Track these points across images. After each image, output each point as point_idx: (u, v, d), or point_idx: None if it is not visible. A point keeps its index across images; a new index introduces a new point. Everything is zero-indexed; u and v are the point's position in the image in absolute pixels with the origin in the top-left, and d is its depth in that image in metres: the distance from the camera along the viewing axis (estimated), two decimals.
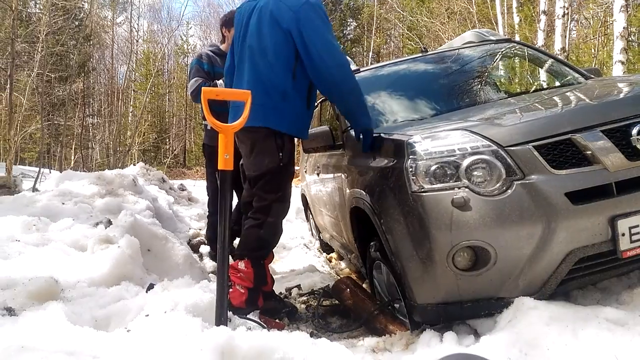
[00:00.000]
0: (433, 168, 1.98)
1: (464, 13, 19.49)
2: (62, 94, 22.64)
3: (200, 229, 5.17)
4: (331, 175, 3.41)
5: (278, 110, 2.67)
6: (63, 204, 3.99)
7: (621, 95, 2.36)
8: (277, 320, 2.65)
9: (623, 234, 1.85)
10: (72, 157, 25.74)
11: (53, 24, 17.45)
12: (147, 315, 1.86)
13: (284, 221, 2.87)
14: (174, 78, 39.51)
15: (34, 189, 7.03)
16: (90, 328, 1.79)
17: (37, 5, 23.66)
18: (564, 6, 10.81)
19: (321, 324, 2.74)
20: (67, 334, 1.73)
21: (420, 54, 3.84)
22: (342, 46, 30.81)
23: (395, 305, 2.49)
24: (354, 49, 31.76)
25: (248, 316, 2.40)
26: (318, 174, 3.97)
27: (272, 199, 2.73)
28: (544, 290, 1.90)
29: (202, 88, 2.09)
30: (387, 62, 3.96)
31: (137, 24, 37.03)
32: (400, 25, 25.43)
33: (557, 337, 1.64)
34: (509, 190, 1.89)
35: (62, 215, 3.67)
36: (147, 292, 2.25)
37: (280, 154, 2.69)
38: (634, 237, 1.85)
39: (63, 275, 2.42)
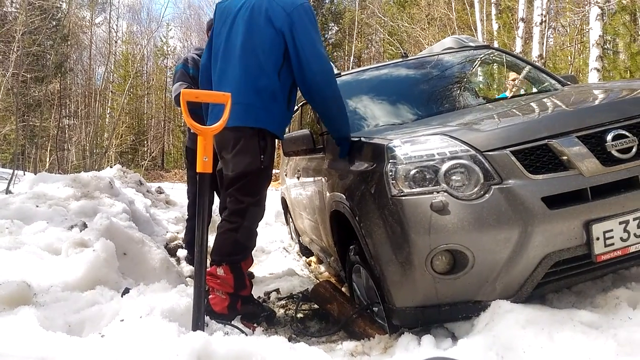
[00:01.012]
0: (412, 172, 1.99)
1: (444, 19, 19.73)
2: (38, 94, 22.21)
3: (177, 233, 5.12)
4: (311, 179, 3.41)
5: (269, 111, 2.65)
6: (37, 206, 3.91)
7: (596, 102, 2.41)
8: (254, 325, 2.62)
9: (597, 238, 1.88)
10: (48, 159, 25.24)
11: (30, 23, 17.12)
12: (122, 320, 1.83)
13: (263, 224, 2.85)
14: (153, 80, 39.11)
15: (7, 191, 6.87)
16: (63, 333, 1.76)
17: (14, 4, 23.21)
18: (542, 14, 11.00)
19: (300, 328, 2.72)
20: (40, 339, 1.70)
21: (400, 59, 3.87)
22: None
23: (374, 308, 2.49)
24: (335, 53, 31.88)
25: (233, 323, 2.37)
26: (298, 178, 3.96)
27: (249, 202, 2.68)
28: (521, 294, 1.92)
29: (182, 90, 2.06)
30: (368, 67, 3.97)
31: (116, 25, 36.51)
32: (381, 30, 25.62)
33: (533, 340, 1.66)
34: (487, 195, 1.90)
35: (36, 218, 3.60)
36: (122, 296, 2.21)
37: (262, 156, 2.66)
38: (608, 242, 1.88)
39: (36, 279, 2.37)
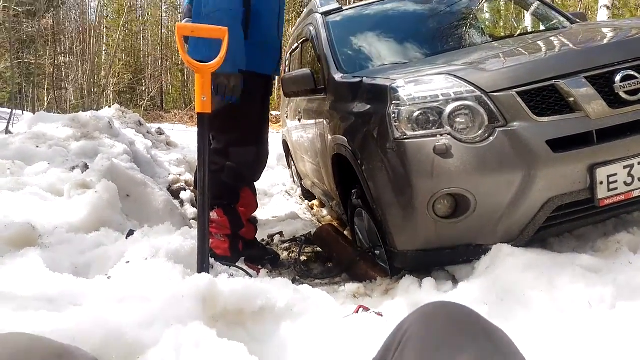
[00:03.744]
0: (416, 114, 1.95)
1: None
2: (31, 29, 21.60)
3: (179, 175, 5.11)
4: (313, 121, 3.36)
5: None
6: (37, 147, 3.88)
7: (605, 41, 2.33)
8: (259, 267, 2.67)
9: (601, 183, 1.87)
10: (46, 98, 24.89)
11: None
12: (128, 262, 1.85)
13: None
14: (148, 14, 37.91)
15: (7, 131, 6.81)
16: (69, 275, 1.77)
17: None
18: None
19: (303, 270, 2.77)
20: (46, 280, 1.71)
21: None
22: None
23: (375, 251, 2.52)
24: None
25: (237, 265, 2.41)
26: (299, 120, 3.91)
27: (227, 141, 2.61)
28: (522, 238, 1.93)
29: (177, 24, 1.98)
30: (371, 1, 3.83)
31: None
32: None
33: (533, 283, 1.68)
34: (491, 138, 1.88)
35: (36, 158, 3.58)
36: (127, 238, 2.23)
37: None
38: (612, 186, 1.87)
39: (40, 220, 2.37)
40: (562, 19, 3.41)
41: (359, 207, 2.54)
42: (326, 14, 3.43)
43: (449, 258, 2.03)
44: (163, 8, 37.78)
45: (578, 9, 13.50)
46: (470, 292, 1.74)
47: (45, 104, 23.82)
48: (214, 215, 2.62)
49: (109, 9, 33.71)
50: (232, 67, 2.35)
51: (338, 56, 3.02)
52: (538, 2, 3.74)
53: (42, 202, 2.72)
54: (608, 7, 8.54)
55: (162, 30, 36.65)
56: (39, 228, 2.26)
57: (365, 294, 2.22)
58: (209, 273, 1.84)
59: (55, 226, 2.37)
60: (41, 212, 2.54)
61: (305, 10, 4.25)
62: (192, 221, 3.58)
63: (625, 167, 1.88)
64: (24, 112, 14.95)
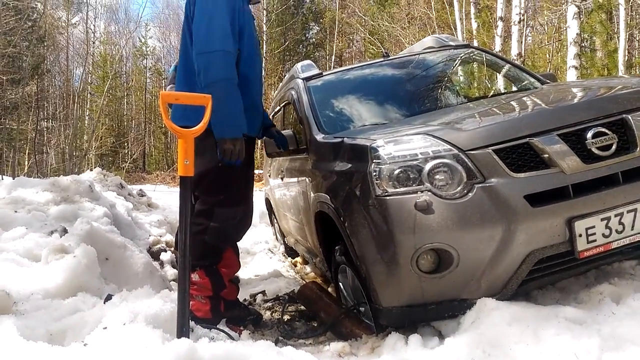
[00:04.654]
0: (396, 172, 1.99)
1: (423, 18, 19.83)
2: (14, 97, 21.79)
3: (160, 236, 5.05)
4: (295, 180, 3.39)
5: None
6: (15, 211, 3.82)
7: (576, 100, 2.43)
8: (241, 328, 2.60)
9: (580, 235, 1.90)
10: (26, 163, 24.75)
11: (4, 24, 16.79)
12: (105, 327, 1.80)
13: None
14: (132, 80, 38.61)
15: None
16: (44, 343, 1.72)
17: None
18: (520, 12, 11.14)
19: (287, 330, 2.71)
20: (20, 349, 1.66)
21: (382, 59, 3.87)
22: (304, 50, 30.87)
23: (360, 308, 2.49)
24: (316, 52, 31.87)
25: (219, 326, 2.35)
26: (282, 178, 3.94)
27: (213, 202, 2.60)
28: (506, 291, 1.93)
29: (161, 92, 2.04)
30: (350, 67, 3.97)
31: (94, 25, 35.84)
32: (362, 29, 25.64)
33: (519, 337, 1.67)
34: (470, 194, 1.91)
35: (14, 223, 3.51)
36: (105, 303, 2.18)
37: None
38: (591, 238, 1.91)
39: (15, 287, 2.32)
40: (532, 79, 3.56)
41: (343, 263, 2.53)
42: (307, 79, 3.54)
43: (434, 313, 2.01)
44: (147, 74, 38.59)
45: (547, 70, 14.14)
46: (457, 347, 1.72)
47: (26, 168, 23.65)
48: (195, 276, 2.57)
49: (93, 76, 34.25)
50: (238, 132, 2.44)
51: (319, 118, 3.10)
52: (509, 64, 3.91)
53: (19, 267, 2.66)
54: (576, 67, 8.98)
55: (147, 95, 37.27)
56: (14, 295, 2.20)
57: (351, 353, 2.17)
58: (189, 337, 1.79)
59: (31, 292, 2.32)
60: (17, 278, 2.48)
61: (287, 75, 4.39)
62: (172, 283, 3.50)
63: (602, 220, 1.93)
64: (4, 177, 14.81)
